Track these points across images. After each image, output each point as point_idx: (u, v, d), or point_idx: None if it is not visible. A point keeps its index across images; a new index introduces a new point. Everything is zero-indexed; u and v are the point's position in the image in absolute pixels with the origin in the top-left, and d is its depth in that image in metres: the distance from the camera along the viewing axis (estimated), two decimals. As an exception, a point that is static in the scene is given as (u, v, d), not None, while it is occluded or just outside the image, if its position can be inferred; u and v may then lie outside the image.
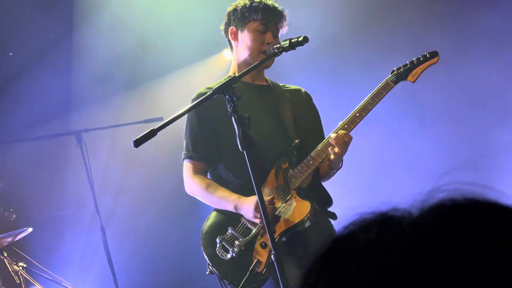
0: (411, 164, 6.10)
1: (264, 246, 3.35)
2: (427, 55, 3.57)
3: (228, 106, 2.92)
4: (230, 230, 3.42)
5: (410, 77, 3.52)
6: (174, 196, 5.98)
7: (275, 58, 3.42)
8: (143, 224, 6.72)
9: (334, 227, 3.55)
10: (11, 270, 4.76)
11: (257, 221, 3.32)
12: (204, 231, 3.51)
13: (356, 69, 6.18)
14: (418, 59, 3.56)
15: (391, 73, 3.52)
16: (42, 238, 6.21)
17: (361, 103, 3.44)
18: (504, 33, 5.85)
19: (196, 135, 3.57)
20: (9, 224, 6.12)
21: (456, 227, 0.69)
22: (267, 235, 2.92)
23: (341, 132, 3.35)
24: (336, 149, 3.33)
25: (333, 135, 3.36)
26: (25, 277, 4.74)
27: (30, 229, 5.01)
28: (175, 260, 6.56)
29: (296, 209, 3.36)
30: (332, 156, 3.36)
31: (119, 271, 4.96)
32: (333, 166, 3.44)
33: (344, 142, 3.33)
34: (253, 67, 3.23)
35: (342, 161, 3.47)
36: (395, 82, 3.48)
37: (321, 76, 6.41)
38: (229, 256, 3.37)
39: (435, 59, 3.57)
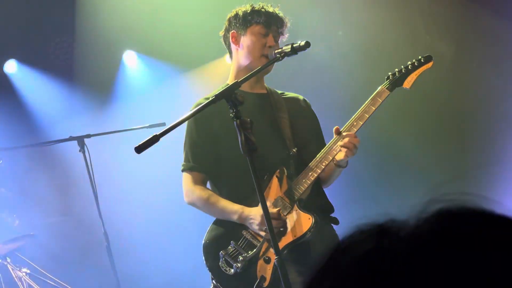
0: (409, 175, 6.08)
1: (268, 260, 3.33)
2: (422, 60, 3.50)
3: (230, 111, 2.90)
4: (232, 244, 3.39)
5: (405, 83, 3.46)
6: (177, 201, 5.98)
7: (277, 63, 3.41)
8: (146, 229, 6.72)
9: (336, 232, 3.53)
10: (14, 276, 4.76)
11: (263, 233, 3.28)
12: (205, 244, 3.48)
13: (358, 72, 6.17)
14: (412, 64, 3.49)
15: (386, 79, 3.46)
16: (45, 243, 6.21)
17: (358, 111, 3.40)
18: (506, 36, 5.84)
19: (196, 146, 3.55)
20: (12, 230, 6.12)
21: (452, 237, 0.69)
22: (271, 249, 2.87)
23: (349, 134, 3.31)
24: (346, 151, 3.29)
25: (341, 142, 3.32)
26: (28, 282, 4.74)
27: (33, 235, 5.01)
28: (179, 266, 6.56)
29: (298, 223, 3.33)
30: (342, 156, 3.32)
31: (123, 277, 4.95)
32: (341, 164, 3.39)
33: (354, 146, 3.30)
34: (255, 72, 3.21)
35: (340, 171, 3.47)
36: (391, 89, 3.43)
37: (323, 80, 6.41)
38: (232, 271, 3.35)
39: (429, 64, 3.50)
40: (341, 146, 3.31)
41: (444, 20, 6.09)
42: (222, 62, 6.72)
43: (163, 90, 6.90)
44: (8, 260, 4.80)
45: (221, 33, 3.71)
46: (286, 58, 3.24)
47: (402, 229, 0.72)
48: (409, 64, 3.49)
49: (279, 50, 3.27)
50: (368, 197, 5.99)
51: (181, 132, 3.52)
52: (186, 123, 3.53)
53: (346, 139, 3.30)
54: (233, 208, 3.38)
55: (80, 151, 4.93)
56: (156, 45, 6.74)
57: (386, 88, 3.43)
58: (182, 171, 3.59)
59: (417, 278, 0.67)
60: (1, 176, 6.23)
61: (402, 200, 5.66)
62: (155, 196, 6.67)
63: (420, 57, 3.52)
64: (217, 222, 3.52)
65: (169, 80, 6.90)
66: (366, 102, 3.41)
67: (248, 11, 3.59)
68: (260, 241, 3.36)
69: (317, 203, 3.49)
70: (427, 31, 6.05)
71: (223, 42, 3.73)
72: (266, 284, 3.30)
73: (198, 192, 3.49)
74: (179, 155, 3.70)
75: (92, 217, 5.16)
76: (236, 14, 3.63)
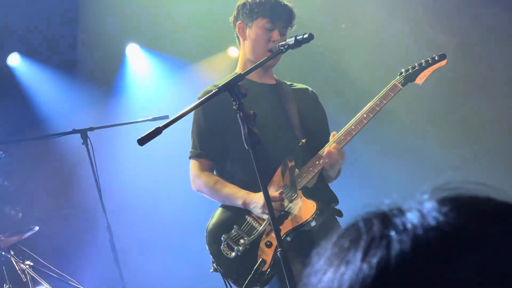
0: (415, 163, 6.08)
1: (269, 245, 3.36)
2: (436, 58, 3.58)
3: (233, 103, 2.91)
4: (235, 228, 3.43)
5: (418, 79, 3.55)
6: (180, 194, 5.99)
7: (282, 56, 3.41)
8: (149, 222, 6.73)
9: (340, 224, 3.55)
10: (18, 269, 4.77)
11: (266, 217, 3.32)
12: (208, 228, 3.51)
13: (361, 66, 6.17)
14: (426, 61, 3.57)
15: (399, 75, 3.53)
16: (49, 236, 6.23)
17: (369, 104, 3.45)
18: (509, 29, 5.83)
19: (203, 133, 3.57)
20: (16, 223, 6.13)
21: (458, 224, 0.69)
22: (273, 233, 2.91)
23: (333, 146, 3.38)
24: (328, 161, 3.38)
25: (326, 149, 3.39)
26: (31, 275, 4.74)
27: (36, 228, 5.01)
28: (182, 259, 6.57)
29: (302, 209, 3.37)
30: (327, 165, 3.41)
31: (126, 270, 4.96)
32: (330, 174, 3.49)
33: (334, 158, 3.36)
34: (258, 64, 3.21)
35: (340, 170, 3.52)
36: (403, 84, 3.50)
37: (326, 73, 6.41)
38: (233, 254, 3.37)
39: (443, 62, 3.60)
40: (325, 157, 3.37)
41: (446, 12, 6.07)
42: (225, 56, 6.71)
43: (166, 83, 6.90)
44: (12, 253, 4.81)
45: (231, 18, 3.70)
46: (289, 50, 3.24)
47: (407, 216, 0.72)
48: (423, 62, 3.58)
49: (283, 42, 3.27)
50: (373, 186, 5.99)
51: (186, 124, 3.52)
52: (193, 111, 3.55)
53: (328, 153, 3.36)
54: (238, 194, 3.42)
55: (83, 144, 4.93)
56: (159, 38, 6.74)
57: (399, 83, 3.49)
58: (190, 158, 3.61)
59: (421, 266, 0.67)
60: (4, 169, 6.24)
61: (406, 188, 5.66)
62: (158, 188, 6.68)
63: (434, 55, 3.60)
64: (222, 208, 3.55)
65: (172, 73, 6.90)
66: (378, 96, 3.46)
67: (257, 2, 3.56)
68: (262, 225, 3.39)
69: (322, 193, 3.52)
70: (429, 23, 6.04)
71: (233, 27, 3.71)
72: (265, 267, 3.32)
73: (205, 179, 3.53)
74: (182, 148, 3.71)
75: (95, 210, 5.17)
76: (244, 4, 3.61)
